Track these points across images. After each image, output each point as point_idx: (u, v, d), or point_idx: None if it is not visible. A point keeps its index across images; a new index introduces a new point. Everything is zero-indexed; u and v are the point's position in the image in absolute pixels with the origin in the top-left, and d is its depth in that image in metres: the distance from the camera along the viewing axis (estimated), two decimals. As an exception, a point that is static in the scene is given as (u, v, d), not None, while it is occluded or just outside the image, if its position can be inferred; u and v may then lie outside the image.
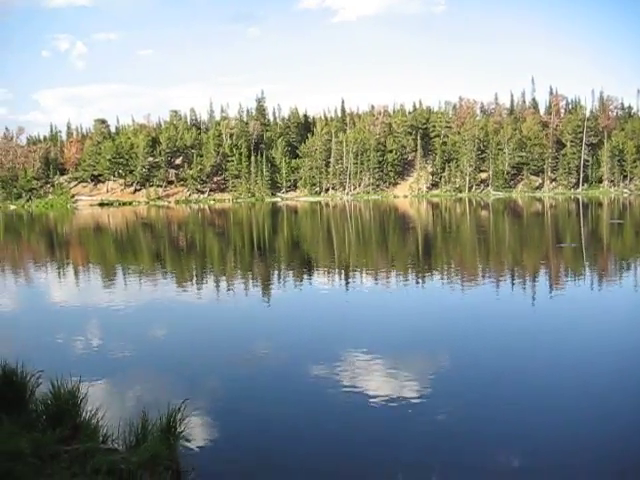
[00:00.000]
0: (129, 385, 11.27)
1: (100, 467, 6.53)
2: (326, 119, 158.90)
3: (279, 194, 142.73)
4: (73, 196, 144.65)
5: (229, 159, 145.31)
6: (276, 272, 27.24)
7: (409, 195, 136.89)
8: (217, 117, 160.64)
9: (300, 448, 8.39)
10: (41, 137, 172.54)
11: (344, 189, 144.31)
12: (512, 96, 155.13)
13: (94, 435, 7.63)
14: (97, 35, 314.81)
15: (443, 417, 9.29)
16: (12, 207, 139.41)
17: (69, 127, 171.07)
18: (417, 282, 22.85)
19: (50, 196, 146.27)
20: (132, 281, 24.93)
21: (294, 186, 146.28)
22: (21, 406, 8.20)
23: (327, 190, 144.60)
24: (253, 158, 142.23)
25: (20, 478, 6.39)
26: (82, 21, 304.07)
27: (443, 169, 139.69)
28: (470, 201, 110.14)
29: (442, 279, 23.72)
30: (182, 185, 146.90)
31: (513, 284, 21.87)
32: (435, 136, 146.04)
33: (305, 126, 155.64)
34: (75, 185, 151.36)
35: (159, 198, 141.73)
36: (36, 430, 7.64)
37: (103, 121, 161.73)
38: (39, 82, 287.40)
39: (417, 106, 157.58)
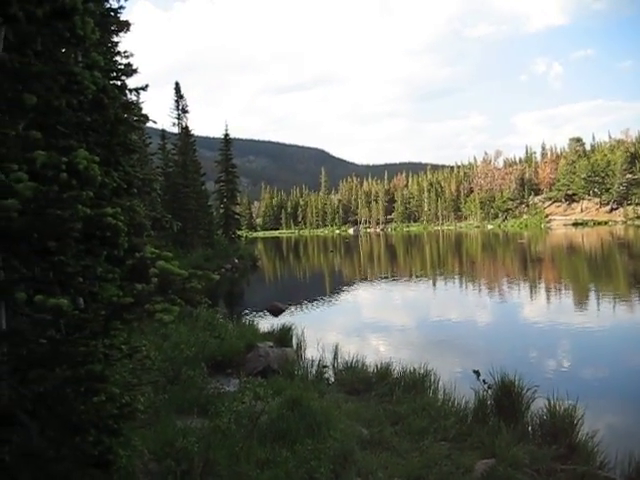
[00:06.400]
0: (624, 412, 10.75)
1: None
2: None
3: None
4: (547, 216, 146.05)
5: None
6: None
7: None
8: None
9: None
10: (516, 159, 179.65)
11: None
12: None
13: (590, 459, 7.50)
14: (574, 54, 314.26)
15: None
16: (489, 226, 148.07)
17: (543, 148, 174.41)
18: None
19: (524, 216, 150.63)
20: (605, 304, 23.82)
21: None
22: (517, 417, 8.57)
23: None
24: None
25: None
26: (559, 41, 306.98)
27: None
28: None
29: None
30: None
31: None
32: None
33: None
34: (549, 205, 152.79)
35: (638, 217, 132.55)
36: (531, 443, 7.88)
37: (578, 139, 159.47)
38: (516, 106, 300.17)
39: None
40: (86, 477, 4.83)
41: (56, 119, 5.22)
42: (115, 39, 16.24)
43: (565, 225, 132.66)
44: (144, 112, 11.41)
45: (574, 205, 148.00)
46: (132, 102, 10.39)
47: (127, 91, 13.59)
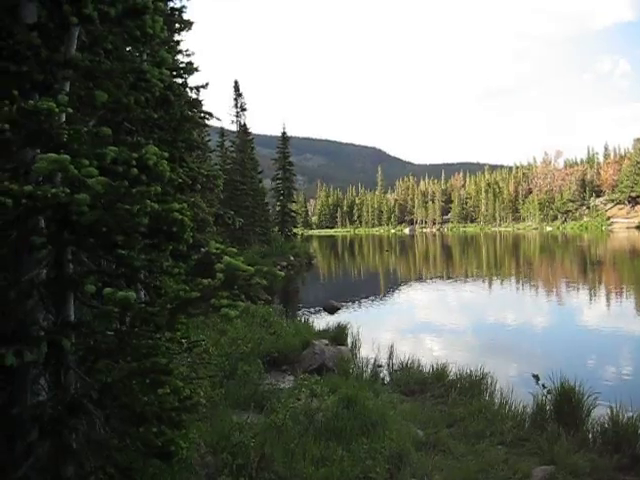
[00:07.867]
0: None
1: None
2: None
3: None
4: (608, 218, 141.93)
5: None
6: None
7: None
8: None
9: None
10: (577, 160, 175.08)
11: None
12: None
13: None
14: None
15: None
16: (548, 228, 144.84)
17: (606, 148, 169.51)
18: None
19: (585, 218, 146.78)
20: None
21: None
22: (577, 424, 8.35)
23: None
24: None
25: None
26: (626, 38, 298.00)
27: None
28: None
29: None
30: None
31: None
32: None
33: None
34: (611, 207, 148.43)
35: None
36: (592, 452, 7.67)
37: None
38: (579, 106, 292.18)
39: None
40: (148, 467, 4.94)
41: (125, 116, 5.35)
42: (177, 38, 16.54)
43: (628, 228, 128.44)
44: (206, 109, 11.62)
45: (638, 207, 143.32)
46: (196, 99, 10.57)
47: (188, 89, 13.82)
